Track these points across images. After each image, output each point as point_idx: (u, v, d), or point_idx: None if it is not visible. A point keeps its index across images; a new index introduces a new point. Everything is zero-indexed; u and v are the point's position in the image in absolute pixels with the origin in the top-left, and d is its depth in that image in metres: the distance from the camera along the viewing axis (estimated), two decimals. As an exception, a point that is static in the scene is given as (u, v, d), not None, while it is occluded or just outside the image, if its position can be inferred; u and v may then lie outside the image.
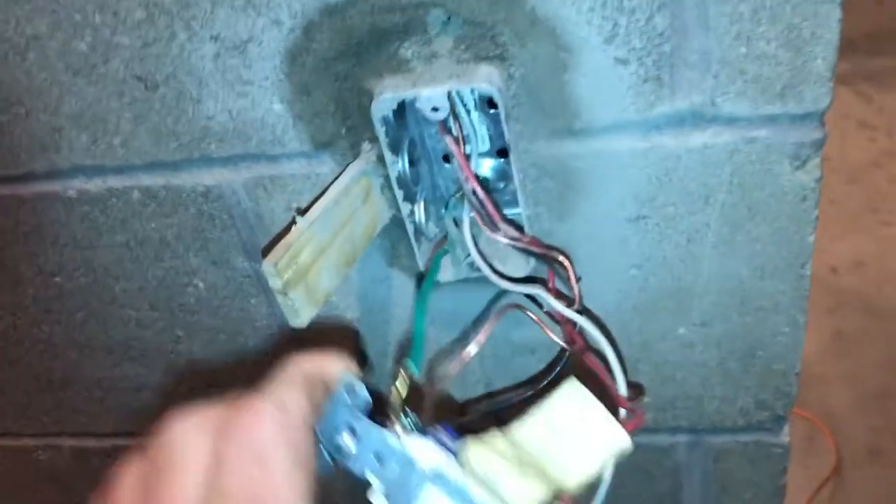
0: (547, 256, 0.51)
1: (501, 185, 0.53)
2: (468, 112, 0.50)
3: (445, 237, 0.53)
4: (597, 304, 0.56)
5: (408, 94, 0.46)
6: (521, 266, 0.53)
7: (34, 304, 0.64)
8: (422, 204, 0.52)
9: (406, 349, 0.58)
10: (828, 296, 2.00)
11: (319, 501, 0.36)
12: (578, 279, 0.51)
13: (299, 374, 0.39)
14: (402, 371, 0.45)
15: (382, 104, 0.46)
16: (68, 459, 0.78)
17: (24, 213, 0.59)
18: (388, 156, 0.48)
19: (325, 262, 0.48)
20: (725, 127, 0.46)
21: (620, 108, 0.47)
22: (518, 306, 0.52)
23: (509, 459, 0.40)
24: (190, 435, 0.36)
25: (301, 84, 0.49)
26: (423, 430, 0.40)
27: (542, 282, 0.52)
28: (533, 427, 0.44)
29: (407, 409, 0.42)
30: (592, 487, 0.46)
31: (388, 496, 0.39)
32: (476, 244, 0.51)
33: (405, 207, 0.51)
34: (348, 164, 0.50)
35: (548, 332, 0.52)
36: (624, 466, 0.66)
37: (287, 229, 0.46)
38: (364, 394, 0.41)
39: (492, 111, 0.50)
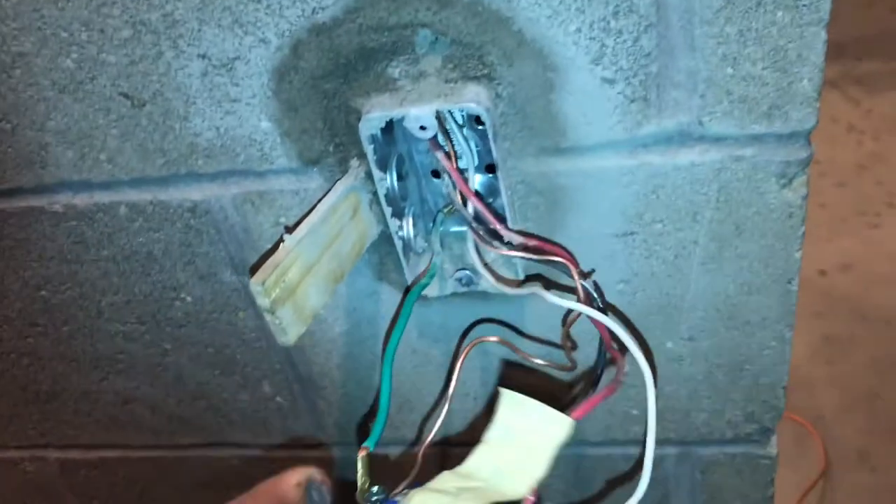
0: (555, 254, 0.50)
1: (490, 200, 0.53)
2: (456, 129, 0.50)
3: (427, 269, 0.53)
4: (585, 319, 0.56)
5: (395, 113, 0.46)
6: (512, 275, 0.53)
7: (20, 317, 0.64)
8: (410, 219, 0.52)
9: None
10: (816, 299, 2.01)
11: None
12: (591, 272, 0.52)
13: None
14: (360, 456, 0.47)
15: (370, 123, 0.46)
16: (55, 471, 0.77)
17: (10, 228, 0.58)
18: (376, 173, 0.48)
19: (312, 279, 0.48)
20: (712, 145, 0.47)
21: (608, 127, 0.47)
22: (483, 340, 0.54)
23: (450, 494, 0.41)
24: None
25: (289, 102, 0.49)
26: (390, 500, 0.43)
27: (540, 279, 0.52)
28: (482, 453, 0.46)
29: (371, 489, 0.45)
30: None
31: None
32: (460, 261, 0.51)
33: (393, 223, 0.51)
34: (337, 181, 0.50)
35: (518, 351, 0.53)
36: (613, 478, 0.67)
37: (275, 247, 0.46)
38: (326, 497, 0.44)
39: (479, 128, 0.50)
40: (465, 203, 0.49)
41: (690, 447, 0.63)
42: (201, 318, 0.61)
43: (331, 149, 0.50)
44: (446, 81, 0.46)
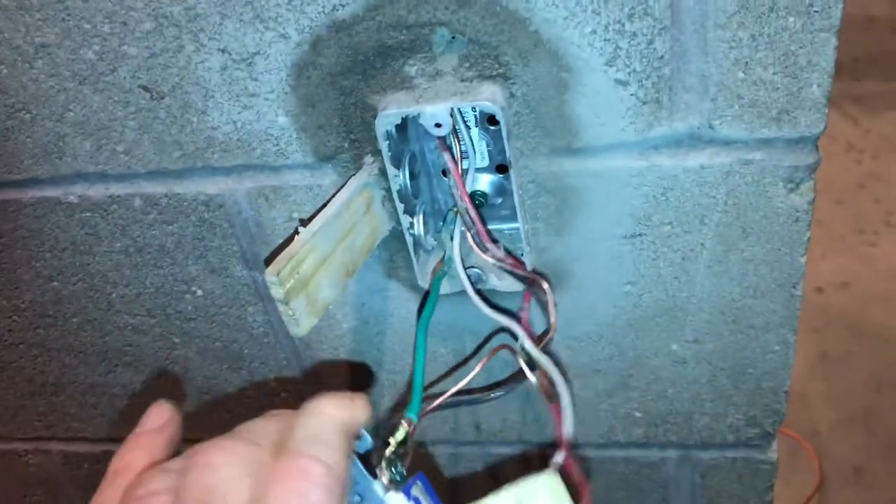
0: (529, 279, 0.52)
1: (499, 200, 0.54)
2: (468, 128, 0.51)
3: (442, 259, 0.54)
4: (591, 319, 0.57)
5: (411, 109, 0.47)
6: (514, 283, 0.54)
7: (31, 307, 0.65)
8: (421, 217, 0.53)
9: (399, 382, 0.59)
10: (813, 315, 2.02)
11: None
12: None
13: (341, 430, 0.37)
14: (402, 423, 0.45)
15: (386, 119, 0.47)
16: (58, 464, 0.78)
17: (25, 218, 0.59)
18: (389, 169, 0.49)
19: (325, 272, 0.48)
20: (722, 149, 0.48)
21: (619, 129, 0.48)
22: (508, 347, 0.54)
23: None
24: (234, 484, 0.34)
25: (306, 97, 0.49)
26: (406, 484, 0.41)
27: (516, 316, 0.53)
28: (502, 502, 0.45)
29: (397, 461, 0.43)
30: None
31: None
32: (464, 260, 0.52)
33: (405, 220, 0.51)
34: (350, 177, 0.51)
35: (530, 375, 0.53)
36: (614, 480, 0.67)
37: (289, 239, 0.47)
38: (368, 441, 0.41)
39: (492, 128, 0.51)
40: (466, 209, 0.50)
41: (691, 450, 0.64)
42: (210, 312, 0.62)
43: (346, 145, 0.51)
44: (462, 80, 0.47)
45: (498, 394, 0.56)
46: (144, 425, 0.40)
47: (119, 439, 0.69)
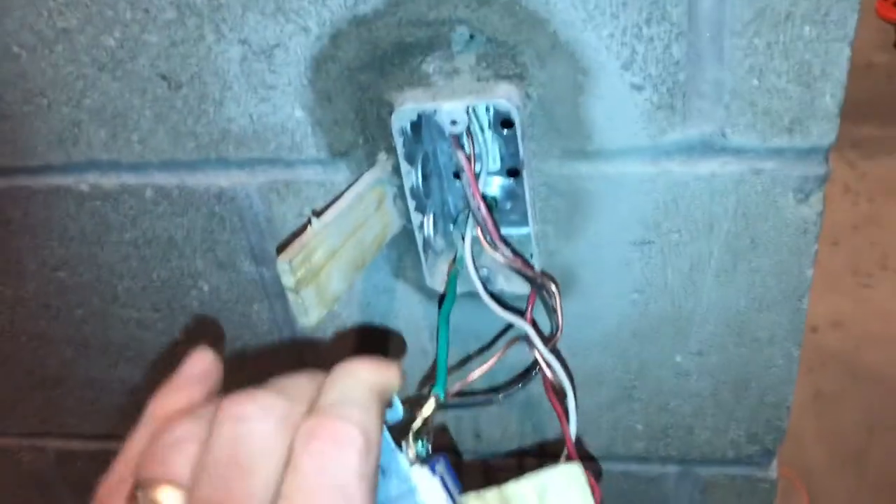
0: (537, 282, 0.52)
1: (509, 204, 0.54)
2: (482, 131, 0.51)
3: (454, 259, 0.54)
4: (596, 328, 0.57)
5: (428, 106, 0.47)
6: (522, 284, 0.54)
7: (34, 297, 0.64)
8: (431, 217, 0.53)
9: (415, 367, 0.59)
10: (808, 354, 2.01)
11: None
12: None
13: (376, 394, 0.36)
14: (432, 397, 0.45)
15: (403, 115, 0.48)
16: (51, 462, 0.77)
17: (35, 206, 0.59)
18: (403, 166, 0.49)
19: (336, 264, 0.48)
20: (733, 157, 0.48)
21: (632, 133, 0.48)
22: (525, 338, 0.53)
23: None
24: (267, 439, 0.33)
25: (324, 92, 0.50)
26: (431, 461, 0.40)
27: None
28: (524, 489, 0.45)
29: (423, 436, 0.42)
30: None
31: None
32: (475, 261, 0.52)
33: (416, 218, 0.52)
34: (364, 173, 0.51)
35: (546, 372, 0.53)
36: (611, 495, 0.67)
37: (301, 230, 0.47)
38: (399, 411, 0.40)
39: (505, 131, 0.51)
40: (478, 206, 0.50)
41: (691, 466, 0.64)
42: (216, 307, 0.62)
43: (360, 141, 0.51)
44: (479, 79, 0.48)
45: (514, 389, 0.58)
46: (185, 370, 0.39)
47: (116, 436, 0.69)
